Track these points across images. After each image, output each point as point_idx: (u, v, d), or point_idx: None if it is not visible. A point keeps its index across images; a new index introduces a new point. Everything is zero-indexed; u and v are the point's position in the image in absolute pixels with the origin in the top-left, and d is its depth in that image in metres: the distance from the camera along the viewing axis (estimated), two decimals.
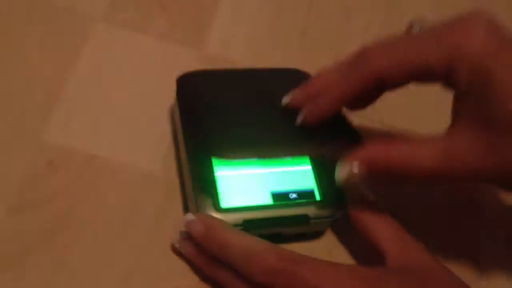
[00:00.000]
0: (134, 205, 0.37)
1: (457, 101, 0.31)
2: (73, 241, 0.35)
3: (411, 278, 0.32)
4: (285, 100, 0.36)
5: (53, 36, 0.43)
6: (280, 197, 0.36)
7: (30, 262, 0.34)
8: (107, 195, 0.37)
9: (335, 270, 0.32)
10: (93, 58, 0.43)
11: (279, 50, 0.47)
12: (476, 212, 0.42)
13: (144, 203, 0.37)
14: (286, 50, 0.48)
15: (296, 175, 0.37)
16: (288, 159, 0.37)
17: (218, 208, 0.35)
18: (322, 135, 0.35)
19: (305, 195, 0.36)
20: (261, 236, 0.34)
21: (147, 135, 0.40)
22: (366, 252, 0.36)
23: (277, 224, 0.36)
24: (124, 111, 0.41)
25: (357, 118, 0.40)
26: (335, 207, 0.36)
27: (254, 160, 0.37)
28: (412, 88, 0.34)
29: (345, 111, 0.37)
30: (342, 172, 0.32)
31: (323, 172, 0.37)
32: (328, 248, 0.38)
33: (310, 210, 0.36)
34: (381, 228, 0.35)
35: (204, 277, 0.35)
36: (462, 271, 0.35)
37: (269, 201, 0.36)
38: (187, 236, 0.35)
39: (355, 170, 0.32)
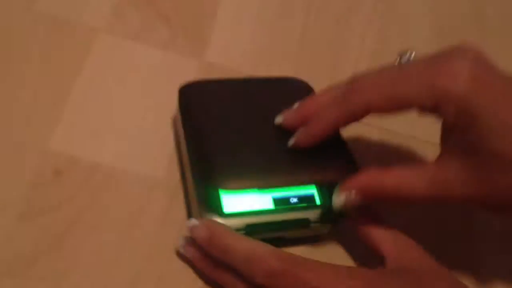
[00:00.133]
0: (138, 211, 0.38)
1: (444, 132, 0.33)
2: (80, 246, 0.36)
3: (410, 279, 0.33)
4: (278, 120, 0.38)
5: (57, 47, 0.44)
6: (281, 202, 0.37)
7: (39, 268, 0.35)
8: (112, 201, 0.38)
9: (335, 272, 0.33)
10: (97, 68, 0.44)
11: (277, 58, 0.48)
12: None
13: (148, 209, 0.38)
14: (284, 58, 0.49)
15: None
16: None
17: (220, 213, 0.36)
18: (321, 160, 0.37)
19: (305, 200, 0.37)
20: (264, 240, 0.35)
21: (150, 143, 0.41)
22: (365, 254, 0.37)
23: (279, 228, 0.37)
24: (127, 120, 0.42)
25: (356, 123, 0.40)
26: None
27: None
28: None
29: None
30: (339, 200, 0.35)
31: None
32: (328, 251, 0.39)
33: (311, 214, 0.37)
34: (380, 231, 0.36)
35: (208, 281, 0.36)
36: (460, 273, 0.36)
37: (270, 205, 0.37)
38: (191, 241, 0.36)
39: (351, 198, 0.34)
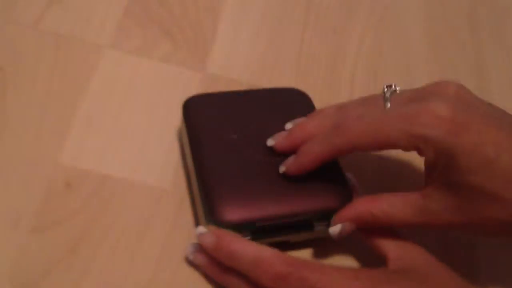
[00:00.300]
0: (147, 220, 0.39)
1: (427, 168, 0.35)
2: (92, 256, 0.37)
3: (412, 277, 0.34)
4: (270, 142, 0.40)
5: (64, 64, 0.45)
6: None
7: (52, 279, 0.36)
8: (121, 212, 0.39)
9: (340, 273, 0.34)
10: (103, 83, 0.45)
11: (277, 69, 0.50)
12: None
13: (156, 218, 0.39)
14: (284, 68, 0.50)
15: None
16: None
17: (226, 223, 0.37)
18: (316, 188, 0.38)
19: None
20: (269, 244, 0.37)
21: (157, 154, 0.42)
22: (368, 256, 0.38)
23: (283, 232, 0.38)
24: (134, 133, 0.43)
25: None
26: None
27: None
28: None
29: None
30: (335, 231, 0.37)
31: None
32: (332, 254, 0.40)
33: (314, 218, 0.38)
34: (381, 233, 0.37)
35: (217, 286, 0.37)
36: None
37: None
38: (199, 248, 0.37)
39: (346, 228, 0.37)
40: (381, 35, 0.54)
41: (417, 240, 0.37)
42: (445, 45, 0.55)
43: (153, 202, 0.40)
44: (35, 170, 0.40)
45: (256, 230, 0.37)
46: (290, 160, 0.38)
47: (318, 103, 0.44)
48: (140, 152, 0.42)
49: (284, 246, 0.38)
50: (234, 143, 0.40)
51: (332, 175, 0.39)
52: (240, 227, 0.36)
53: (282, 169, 0.39)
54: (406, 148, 0.35)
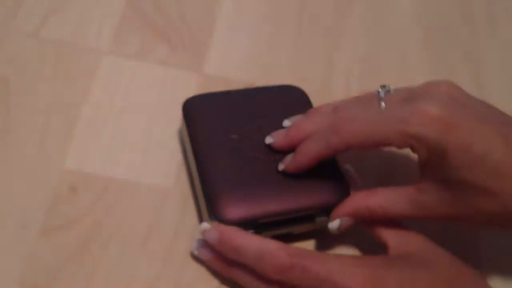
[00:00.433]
0: (152, 220, 0.40)
1: (420, 164, 0.37)
2: (100, 257, 0.38)
3: (412, 263, 0.35)
4: (268, 140, 0.41)
5: (64, 70, 0.46)
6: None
7: (62, 281, 0.37)
8: (127, 212, 0.40)
9: (340, 261, 0.35)
10: (103, 88, 0.46)
11: (273, 67, 0.50)
12: None
13: (161, 216, 0.40)
14: (280, 66, 0.51)
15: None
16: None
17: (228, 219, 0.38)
18: (315, 185, 0.39)
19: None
20: (273, 236, 0.38)
21: (159, 155, 0.43)
22: (369, 245, 0.39)
23: (286, 225, 0.39)
24: (136, 135, 0.44)
25: None
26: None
27: None
28: None
29: None
30: (334, 226, 0.38)
31: None
32: (334, 244, 0.41)
33: (314, 212, 0.39)
34: (382, 222, 0.38)
35: (224, 280, 0.38)
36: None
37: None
38: (204, 243, 0.38)
39: (344, 223, 0.38)
40: (375, 32, 0.55)
41: (418, 228, 0.38)
42: (440, 41, 0.55)
43: (158, 201, 0.41)
44: (41, 175, 0.41)
45: (258, 226, 0.38)
46: (288, 159, 0.39)
47: (314, 100, 0.45)
48: (142, 153, 0.43)
49: (287, 238, 0.39)
50: (234, 142, 0.41)
51: (329, 171, 0.40)
52: (243, 225, 0.37)
53: (281, 167, 0.40)
54: (400, 146, 0.36)
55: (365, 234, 0.39)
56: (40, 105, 0.44)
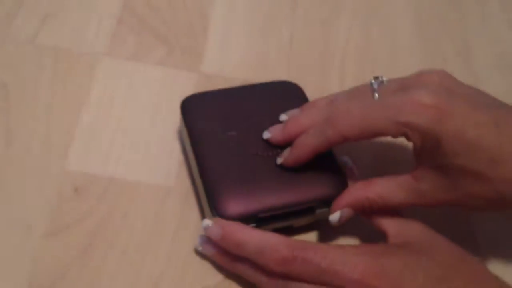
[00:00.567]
0: (155, 218, 0.41)
1: (415, 152, 0.37)
2: (105, 256, 0.39)
3: (412, 249, 0.36)
4: (266, 135, 0.42)
5: (63, 74, 0.47)
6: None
7: (68, 281, 0.37)
8: (129, 211, 0.41)
9: (342, 251, 0.35)
10: (102, 90, 0.47)
11: (269, 63, 0.51)
12: None
13: (163, 214, 0.41)
14: (276, 62, 0.51)
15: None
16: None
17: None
18: (314, 179, 0.40)
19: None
20: (274, 229, 0.38)
21: (159, 154, 0.44)
22: (370, 235, 0.39)
23: (287, 217, 0.39)
24: (136, 135, 0.45)
25: None
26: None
27: None
28: None
29: None
30: (334, 218, 0.39)
31: None
32: (335, 234, 0.42)
33: (313, 205, 0.40)
34: (381, 212, 0.39)
35: (228, 274, 0.39)
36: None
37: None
38: (207, 238, 0.38)
39: (344, 214, 0.39)
40: (368, 23, 0.56)
41: (416, 215, 0.38)
42: (433, 31, 0.56)
43: (160, 199, 0.42)
44: (44, 178, 0.41)
45: (259, 220, 0.38)
46: (286, 153, 0.40)
47: (310, 93, 0.45)
48: (143, 153, 0.44)
49: (288, 231, 0.39)
50: (233, 138, 0.41)
51: (327, 163, 0.41)
52: (244, 220, 0.38)
53: (279, 161, 0.40)
54: (394, 136, 0.37)
55: (365, 224, 0.40)
56: (40, 109, 0.45)
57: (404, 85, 0.38)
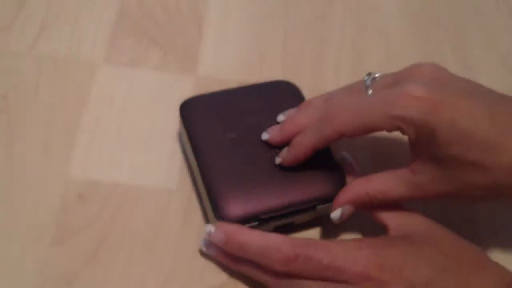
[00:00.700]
0: (159, 221, 0.41)
1: (411, 145, 0.38)
2: (112, 260, 0.39)
3: (413, 241, 0.36)
4: (264, 136, 0.42)
5: (62, 82, 0.47)
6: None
7: (78, 285, 0.38)
8: (134, 215, 0.41)
9: (342, 246, 0.36)
10: (101, 97, 0.47)
11: (264, 63, 0.52)
12: None
13: (167, 217, 0.42)
14: (271, 61, 0.52)
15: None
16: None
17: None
18: (313, 178, 0.41)
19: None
20: (275, 227, 0.39)
21: (161, 158, 0.45)
22: (371, 229, 0.40)
23: (288, 215, 0.40)
24: (136, 140, 0.45)
25: None
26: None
27: None
28: None
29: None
30: (336, 216, 0.40)
31: None
32: (336, 230, 0.42)
33: (313, 203, 0.40)
34: (382, 206, 0.39)
35: (232, 273, 0.39)
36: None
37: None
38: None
39: (345, 211, 0.39)
40: (362, 20, 0.56)
41: (416, 208, 0.39)
42: (427, 26, 0.56)
43: (163, 202, 0.42)
44: (48, 186, 0.42)
45: (260, 220, 0.39)
46: (284, 152, 0.41)
47: (306, 91, 0.46)
48: (144, 157, 0.45)
49: (289, 228, 0.40)
50: (232, 140, 0.42)
51: (325, 161, 0.41)
52: (245, 221, 0.39)
53: (277, 160, 0.41)
54: (389, 130, 0.37)
55: (366, 217, 0.40)
56: (40, 119, 0.45)
57: (396, 79, 0.39)
